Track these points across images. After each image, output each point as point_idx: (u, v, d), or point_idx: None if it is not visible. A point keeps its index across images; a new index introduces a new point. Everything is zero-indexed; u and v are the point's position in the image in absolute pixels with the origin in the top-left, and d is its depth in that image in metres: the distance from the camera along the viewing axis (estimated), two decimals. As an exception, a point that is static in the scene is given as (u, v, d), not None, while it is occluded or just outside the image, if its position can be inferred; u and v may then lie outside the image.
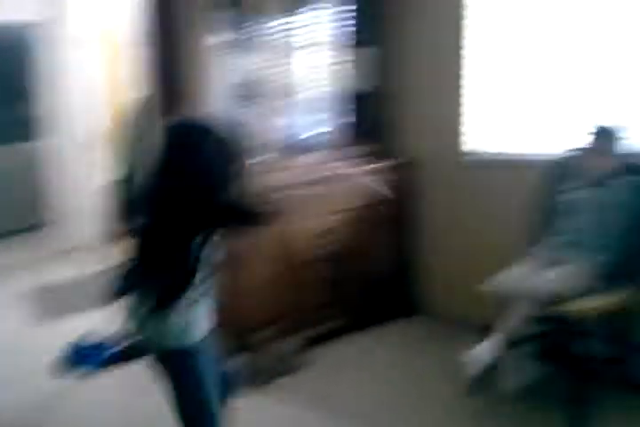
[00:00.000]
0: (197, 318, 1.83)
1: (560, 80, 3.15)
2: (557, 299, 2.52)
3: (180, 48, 2.97)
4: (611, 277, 2.63)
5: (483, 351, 2.61)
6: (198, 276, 1.79)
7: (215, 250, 1.84)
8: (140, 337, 1.88)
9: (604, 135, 2.76)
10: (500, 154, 3.38)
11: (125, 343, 3.28)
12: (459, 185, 3.51)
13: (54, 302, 4.21)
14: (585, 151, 2.83)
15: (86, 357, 3.19)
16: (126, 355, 3.20)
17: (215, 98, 2.97)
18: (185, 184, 1.77)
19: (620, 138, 2.77)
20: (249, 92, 3.24)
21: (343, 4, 3.46)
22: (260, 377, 3.06)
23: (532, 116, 3.26)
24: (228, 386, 2.05)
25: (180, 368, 1.83)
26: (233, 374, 2.18)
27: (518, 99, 3.31)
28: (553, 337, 2.60)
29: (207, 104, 2.97)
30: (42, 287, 4.48)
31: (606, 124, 2.80)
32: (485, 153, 3.43)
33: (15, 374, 3.23)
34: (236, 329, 3.06)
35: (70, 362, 3.12)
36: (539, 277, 2.64)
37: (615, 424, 2.54)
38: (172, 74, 3.01)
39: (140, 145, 3.24)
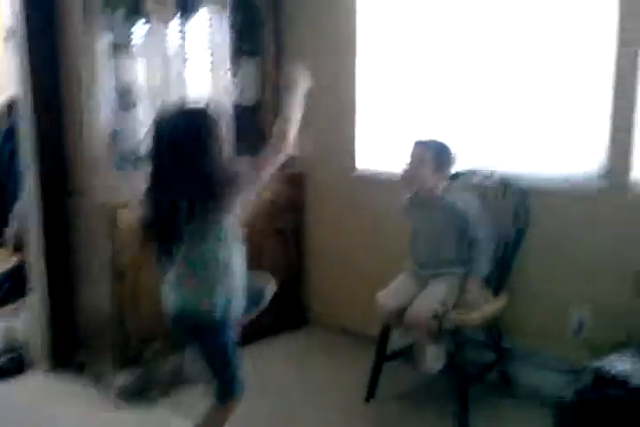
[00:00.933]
0: (236, 295, 1.97)
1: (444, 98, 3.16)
2: (441, 314, 2.56)
3: (61, 47, 2.81)
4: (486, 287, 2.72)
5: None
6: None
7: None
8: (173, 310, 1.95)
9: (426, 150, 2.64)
10: (389, 173, 3.25)
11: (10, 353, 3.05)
12: (348, 200, 3.52)
13: None
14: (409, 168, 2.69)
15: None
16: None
17: (97, 101, 2.82)
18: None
19: (443, 152, 2.66)
20: (131, 98, 3.07)
21: (230, 11, 3.34)
22: (155, 390, 2.96)
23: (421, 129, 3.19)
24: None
25: (213, 342, 2.00)
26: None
27: (408, 114, 3.28)
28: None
29: (88, 107, 2.82)
30: None
31: (425, 138, 2.70)
32: (375, 170, 3.39)
33: None
34: (128, 341, 2.96)
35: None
36: (417, 296, 2.64)
37: (493, 424, 2.69)
38: (51, 74, 2.84)
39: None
